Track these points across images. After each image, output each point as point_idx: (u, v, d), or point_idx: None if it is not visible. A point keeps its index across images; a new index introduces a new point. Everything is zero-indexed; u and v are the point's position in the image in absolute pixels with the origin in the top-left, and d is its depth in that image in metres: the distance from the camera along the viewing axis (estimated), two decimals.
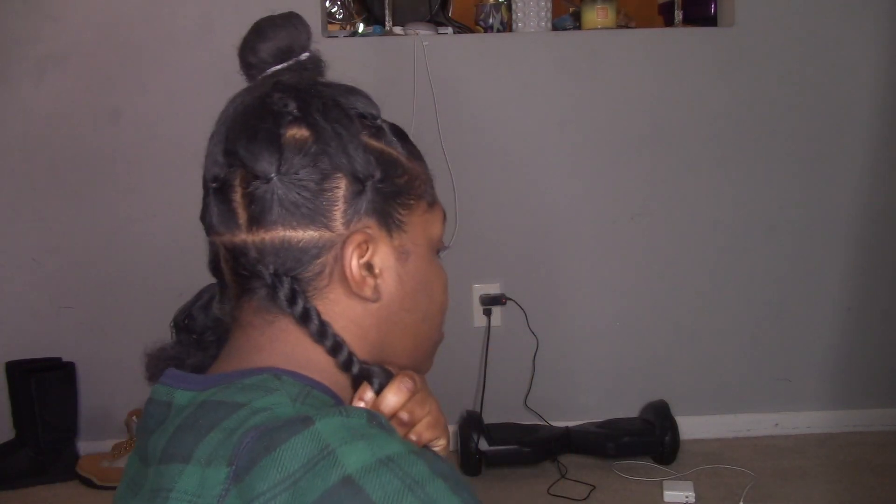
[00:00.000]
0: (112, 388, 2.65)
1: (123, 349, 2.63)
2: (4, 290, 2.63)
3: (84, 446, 2.65)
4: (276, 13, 0.74)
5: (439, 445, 0.70)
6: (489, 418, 2.56)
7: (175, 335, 0.76)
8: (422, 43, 2.53)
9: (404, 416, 0.66)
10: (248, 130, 0.66)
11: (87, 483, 2.51)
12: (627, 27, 2.69)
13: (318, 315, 0.66)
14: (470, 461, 2.47)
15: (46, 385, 2.53)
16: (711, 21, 2.69)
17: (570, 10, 2.73)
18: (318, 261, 0.66)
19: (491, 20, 2.69)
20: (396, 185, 0.68)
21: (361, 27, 2.77)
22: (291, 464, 0.54)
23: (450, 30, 2.67)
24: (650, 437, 2.52)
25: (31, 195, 2.59)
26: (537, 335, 2.60)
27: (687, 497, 2.27)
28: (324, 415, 0.57)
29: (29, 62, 2.54)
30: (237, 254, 0.68)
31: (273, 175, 0.64)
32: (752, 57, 2.59)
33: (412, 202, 0.70)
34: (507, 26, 2.69)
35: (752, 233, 2.65)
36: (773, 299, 2.68)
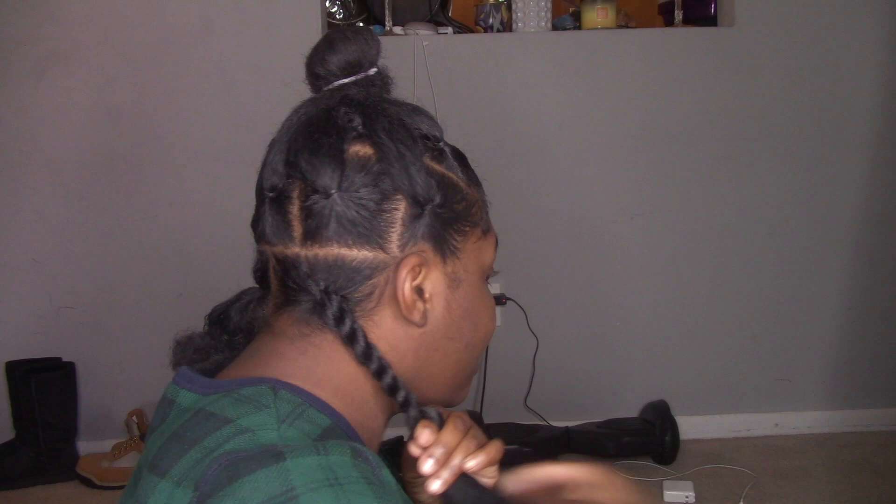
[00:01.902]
0: (112, 388, 2.65)
1: (123, 349, 2.64)
2: (4, 290, 2.63)
3: (84, 446, 2.65)
4: (346, 26, 0.74)
5: (490, 476, 0.68)
6: (489, 418, 2.56)
7: (207, 328, 0.76)
8: (422, 43, 2.53)
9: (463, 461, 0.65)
10: (312, 143, 0.65)
11: (87, 483, 2.51)
12: (627, 27, 2.69)
13: (365, 336, 0.65)
14: None
15: (46, 385, 2.53)
16: (711, 21, 2.69)
17: (570, 10, 2.73)
18: (370, 282, 0.65)
19: (491, 20, 2.69)
20: (454, 210, 0.68)
21: (361, 27, 2.77)
22: (251, 499, 0.52)
23: (450, 30, 2.67)
24: (650, 437, 2.52)
25: (31, 195, 2.59)
26: (537, 335, 2.59)
27: (687, 497, 2.27)
28: (299, 452, 0.54)
29: (29, 62, 2.54)
30: (288, 266, 0.66)
31: (333, 191, 0.63)
32: (752, 57, 2.59)
33: (468, 229, 0.69)
34: (507, 26, 2.69)
35: (753, 233, 2.65)
36: (773, 299, 2.68)
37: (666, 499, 2.28)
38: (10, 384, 2.56)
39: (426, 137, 0.68)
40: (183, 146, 2.59)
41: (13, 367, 2.55)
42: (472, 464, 0.65)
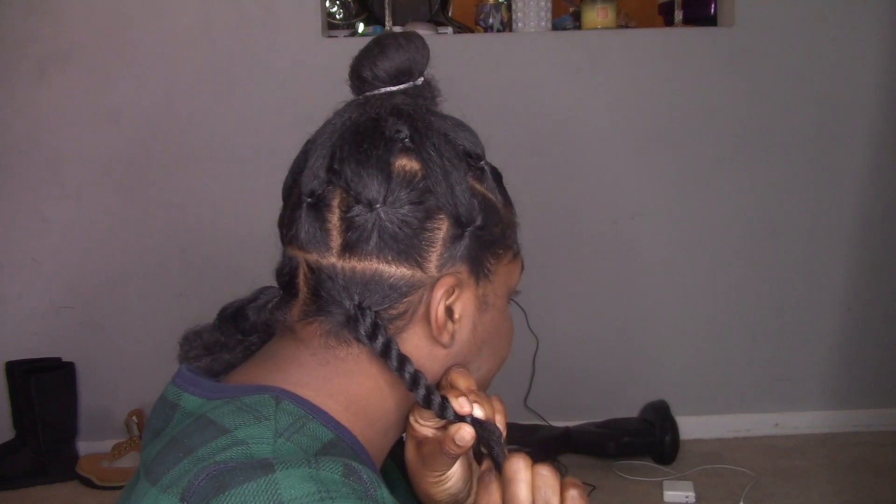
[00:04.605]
0: (112, 388, 2.65)
1: (123, 349, 2.64)
2: (4, 290, 2.63)
3: (84, 446, 2.65)
4: (397, 31, 0.71)
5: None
6: None
7: (218, 324, 0.74)
8: None
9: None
10: (360, 153, 0.63)
11: (87, 483, 2.51)
12: (627, 27, 2.69)
13: (398, 349, 0.64)
14: None
15: (46, 385, 2.53)
16: (711, 21, 2.69)
17: (570, 10, 2.73)
18: (405, 299, 0.64)
19: (491, 20, 2.69)
20: (492, 233, 0.67)
21: (361, 27, 2.77)
22: None
23: (450, 30, 2.67)
24: (650, 437, 2.52)
25: (31, 195, 2.59)
26: (537, 335, 2.59)
27: (687, 497, 2.27)
28: (289, 465, 0.54)
29: (29, 62, 2.54)
30: (322, 276, 0.64)
31: (378, 205, 0.62)
32: (752, 57, 2.59)
33: (501, 252, 0.69)
34: (507, 26, 2.69)
35: (753, 233, 2.65)
36: (773, 299, 2.68)
37: (666, 499, 2.29)
38: (10, 384, 2.56)
39: (469, 155, 0.67)
40: (183, 146, 2.58)
41: (13, 367, 2.55)
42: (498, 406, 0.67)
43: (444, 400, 0.64)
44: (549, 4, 2.61)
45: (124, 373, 2.65)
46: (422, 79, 0.68)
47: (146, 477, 0.59)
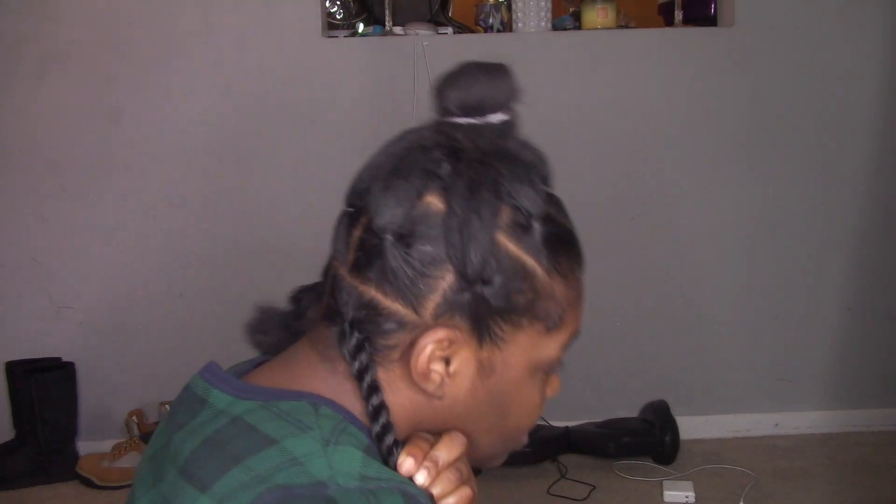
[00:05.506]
0: (112, 388, 2.65)
1: (123, 349, 2.64)
2: (4, 290, 2.63)
3: (84, 446, 2.64)
4: (486, 60, 0.67)
5: None
6: None
7: (291, 305, 0.73)
8: (422, 43, 2.53)
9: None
10: (393, 177, 0.61)
11: (87, 483, 2.51)
12: (627, 27, 2.69)
13: (373, 377, 0.62)
14: None
15: (46, 385, 2.53)
16: (711, 21, 2.69)
17: (570, 10, 2.73)
18: (395, 335, 0.62)
19: (491, 20, 2.69)
20: (510, 300, 0.61)
21: (361, 27, 2.77)
22: None
23: (450, 30, 2.67)
24: (650, 437, 2.52)
25: (31, 195, 2.59)
26: None
27: (687, 497, 2.27)
28: (350, 500, 0.54)
29: (29, 62, 2.54)
30: (336, 284, 0.64)
31: (388, 235, 0.60)
32: (752, 57, 2.59)
33: (524, 321, 0.63)
34: (507, 26, 2.69)
35: (753, 233, 2.65)
36: (773, 299, 2.68)
37: (666, 499, 2.29)
38: (10, 384, 2.56)
39: (518, 209, 0.61)
40: (183, 146, 2.58)
41: (13, 367, 2.55)
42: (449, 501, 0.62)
43: (396, 446, 0.61)
44: (549, 4, 2.61)
45: (124, 373, 2.65)
46: (499, 116, 0.64)
47: (183, 476, 0.59)
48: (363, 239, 0.62)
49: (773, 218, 2.64)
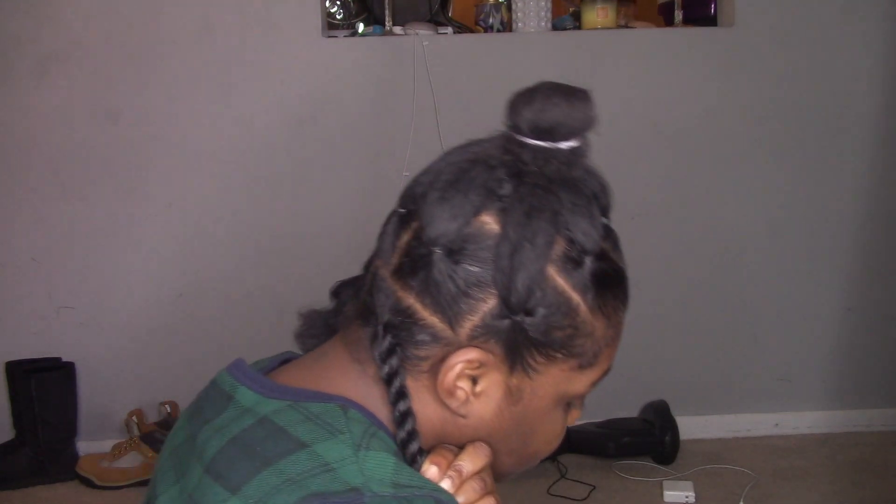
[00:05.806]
0: (112, 388, 2.65)
1: (123, 349, 2.64)
2: (4, 290, 2.63)
3: (84, 446, 2.64)
4: (570, 84, 0.66)
5: None
6: None
7: (331, 300, 0.72)
8: (422, 43, 2.53)
9: None
10: (451, 188, 0.60)
11: (87, 483, 2.51)
12: (627, 27, 2.69)
13: (402, 382, 0.61)
14: None
15: (46, 385, 2.53)
16: (711, 21, 2.69)
17: (570, 10, 2.73)
18: (428, 347, 0.61)
19: (491, 20, 2.69)
20: (549, 334, 0.61)
21: (361, 27, 2.77)
22: None
23: (450, 30, 2.67)
24: (650, 437, 2.52)
25: (31, 195, 2.59)
26: None
27: (687, 497, 2.27)
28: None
29: (29, 62, 2.54)
30: (375, 284, 0.63)
31: (438, 249, 0.59)
32: (752, 57, 2.59)
33: (559, 356, 0.62)
34: (507, 26, 2.69)
35: (753, 232, 2.65)
36: (773, 299, 2.68)
37: (666, 499, 2.29)
38: (10, 384, 2.56)
39: (573, 242, 0.60)
40: (183, 146, 2.59)
41: (13, 367, 2.55)
42: None
43: (420, 454, 0.62)
44: (549, 4, 2.61)
45: (124, 373, 2.65)
46: (570, 143, 0.62)
47: (210, 475, 0.59)
48: (411, 245, 0.61)
49: (773, 217, 2.64)
